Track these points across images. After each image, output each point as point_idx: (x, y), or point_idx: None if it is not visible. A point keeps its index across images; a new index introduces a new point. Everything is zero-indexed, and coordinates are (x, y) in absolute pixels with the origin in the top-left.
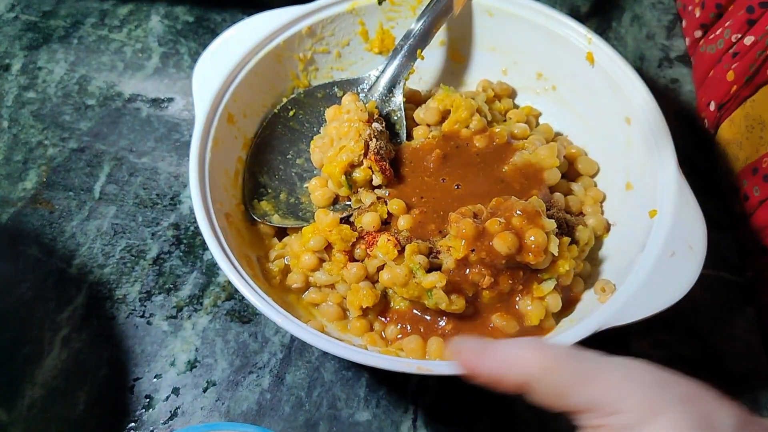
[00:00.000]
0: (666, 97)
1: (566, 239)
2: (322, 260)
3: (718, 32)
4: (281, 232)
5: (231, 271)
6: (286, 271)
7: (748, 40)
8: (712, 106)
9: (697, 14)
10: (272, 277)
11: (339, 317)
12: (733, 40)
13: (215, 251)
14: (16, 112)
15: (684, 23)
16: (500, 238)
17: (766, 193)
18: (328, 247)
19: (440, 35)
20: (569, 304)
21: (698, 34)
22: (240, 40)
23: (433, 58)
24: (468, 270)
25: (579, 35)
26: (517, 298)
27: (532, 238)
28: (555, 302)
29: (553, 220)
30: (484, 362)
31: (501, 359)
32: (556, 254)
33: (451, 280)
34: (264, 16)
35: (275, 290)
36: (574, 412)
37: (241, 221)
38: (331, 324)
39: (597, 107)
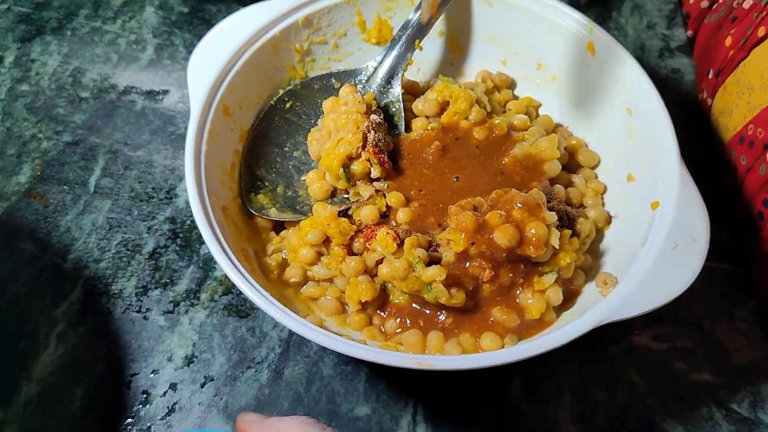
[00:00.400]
0: (667, 87)
1: (567, 232)
2: (320, 254)
3: (721, 0)
4: (279, 226)
5: (228, 266)
6: (283, 265)
7: (747, 3)
8: (711, 74)
9: None
10: (270, 271)
11: (338, 311)
12: (734, 5)
13: (212, 245)
14: (10, 105)
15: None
16: (501, 231)
17: (752, 160)
18: (327, 241)
19: (439, 25)
20: (570, 297)
21: (705, 4)
22: (236, 31)
23: (431, 48)
24: (468, 263)
25: (580, 25)
26: (518, 292)
27: (533, 230)
28: (556, 295)
29: (554, 213)
30: None
31: None
32: (557, 247)
33: (451, 274)
34: (260, 7)
35: (273, 285)
36: None
37: (237, 215)
38: (329, 318)
39: (598, 98)
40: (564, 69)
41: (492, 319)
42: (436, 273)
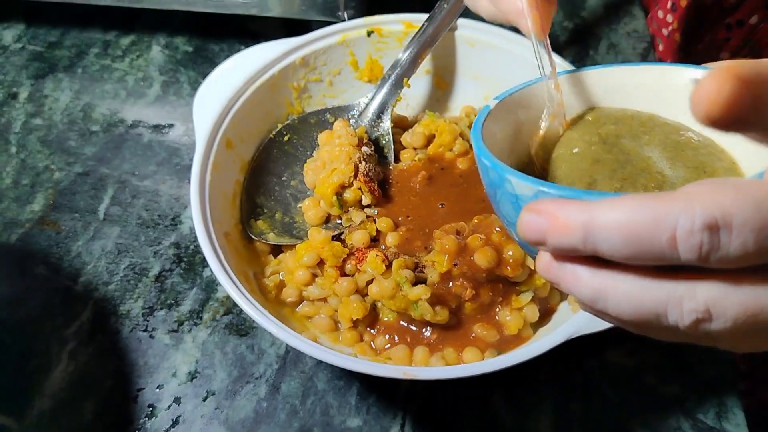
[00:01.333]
0: None
1: None
2: (315, 275)
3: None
4: (276, 250)
5: (230, 286)
6: (281, 286)
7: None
8: None
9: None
10: (268, 291)
11: (331, 329)
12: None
13: (215, 268)
14: (24, 138)
15: (661, 47)
16: (480, 253)
17: None
18: (321, 263)
19: (426, 64)
20: (546, 314)
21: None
22: (237, 70)
23: (419, 85)
24: (451, 283)
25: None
26: (497, 309)
27: (510, 252)
28: (532, 313)
29: None
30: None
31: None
32: (533, 267)
33: (436, 293)
34: (260, 48)
35: (271, 304)
36: None
37: (239, 240)
38: (323, 335)
39: None
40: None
41: (474, 334)
42: (421, 292)
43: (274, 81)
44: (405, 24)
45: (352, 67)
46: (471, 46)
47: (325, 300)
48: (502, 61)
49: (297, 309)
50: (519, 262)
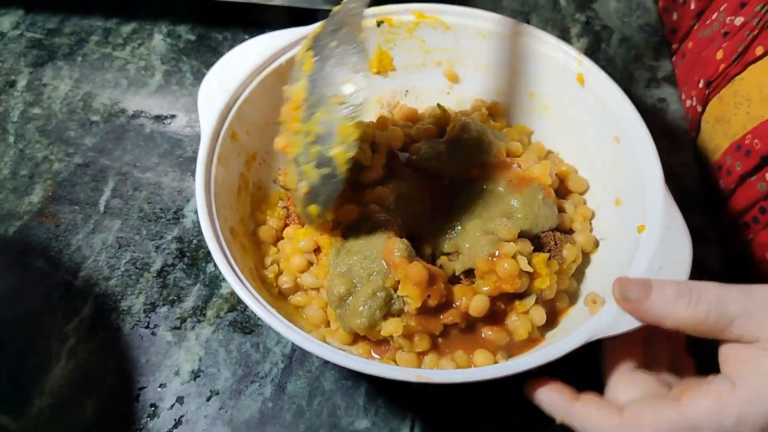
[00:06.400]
0: (653, 115)
1: (543, 256)
2: (311, 264)
3: (713, 17)
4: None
5: (235, 282)
6: (279, 274)
7: (738, 20)
8: (701, 84)
9: (692, 6)
10: (270, 284)
11: (323, 322)
12: (727, 21)
13: (222, 266)
14: (22, 127)
15: (675, 16)
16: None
17: (747, 167)
18: (318, 251)
19: (436, 56)
20: (554, 317)
21: (693, 22)
22: (244, 59)
23: (429, 77)
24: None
25: (570, 57)
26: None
27: (505, 266)
28: (539, 315)
29: (526, 240)
30: (644, 318)
31: (655, 317)
32: (525, 269)
33: (411, 327)
34: (267, 37)
35: (278, 302)
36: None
37: (244, 235)
38: (316, 330)
39: (587, 126)
40: (555, 99)
41: (483, 336)
42: (393, 329)
43: (281, 71)
44: (416, 14)
45: None
46: (483, 37)
47: (318, 291)
48: (516, 53)
49: (289, 299)
50: (514, 275)
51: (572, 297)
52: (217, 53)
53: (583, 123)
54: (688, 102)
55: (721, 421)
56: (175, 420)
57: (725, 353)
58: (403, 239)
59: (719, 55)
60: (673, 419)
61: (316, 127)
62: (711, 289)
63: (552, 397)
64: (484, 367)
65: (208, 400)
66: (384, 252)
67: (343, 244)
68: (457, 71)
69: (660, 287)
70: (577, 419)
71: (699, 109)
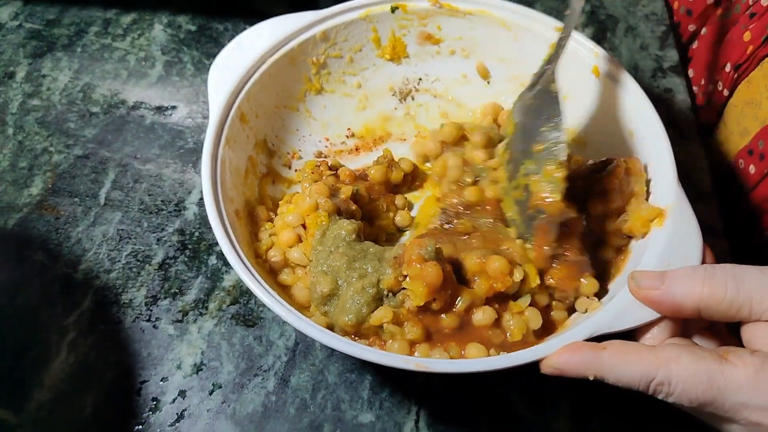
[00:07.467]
0: (660, 106)
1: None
2: (301, 239)
3: None
4: None
5: (238, 265)
6: (270, 248)
7: (765, 1)
8: (728, 68)
9: None
10: (263, 260)
11: (310, 302)
12: (751, 2)
13: (224, 246)
14: (21, 119)
15: None
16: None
17: None
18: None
19: (450, 44)
20: (549, 326)
21: (710, 0)
22: (256, 41)
23: (442, 66)
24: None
25: (586, 49)
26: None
27: (496, 264)
28: (535, 318)
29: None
30: (662, 303)
31: (673, 298)
32: (517, 279)
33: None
34: (280, 20)
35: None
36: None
37: (248, 218)
38: (301, 311)
39: (602, 120)
40: (572, 90)
41: (476, 331)
42: (382, 315)
43: (293, 55)
44: (431, 1)
45: (374, 44)
46: (507, 29)
47: (304, 268)
48: (537, 44)
49: (278, 278)
50: (504, 273)
51: (568, 304)
52: (218, 43)
53: (598, 115)
54: (710, 86)
55: (756, 393)
56: (177, 414)
57: (750, 332)
58: (432, 241)
59: (746, 36)
60: (713, 371)
61: (524, 180)
62: (725, 266)
63: (576, 356)
64: (491, 358)
65: (210, 393)
66: (408, 244)
67: (329, 226)
68: (482, 61)
69: (675, 272)
70: (609, 367)
71: (726, 93)
